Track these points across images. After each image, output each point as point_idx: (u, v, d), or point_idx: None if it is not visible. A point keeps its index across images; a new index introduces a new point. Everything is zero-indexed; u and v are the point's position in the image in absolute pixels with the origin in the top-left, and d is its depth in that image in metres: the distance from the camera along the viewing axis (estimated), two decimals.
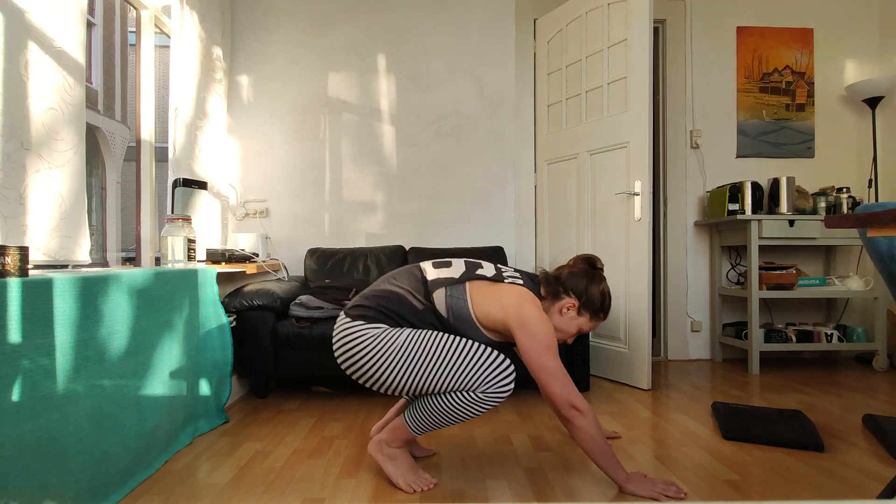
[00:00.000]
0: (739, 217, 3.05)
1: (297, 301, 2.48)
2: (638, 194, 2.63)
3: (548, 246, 3.25)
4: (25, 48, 1.59)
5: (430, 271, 1.60)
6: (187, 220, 2.03)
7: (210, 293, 2.07)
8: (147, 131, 2.56)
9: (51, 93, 1.68)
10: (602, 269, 1.69)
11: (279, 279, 2.86)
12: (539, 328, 1.49)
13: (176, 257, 1.99)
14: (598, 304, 1.63)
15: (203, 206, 2.73)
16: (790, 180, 3.15)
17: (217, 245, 2.94)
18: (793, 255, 3.53)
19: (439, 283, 1.56)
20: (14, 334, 1.12)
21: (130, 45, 15.86)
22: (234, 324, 2.40)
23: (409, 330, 1.50)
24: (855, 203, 3.22)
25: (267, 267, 2.80)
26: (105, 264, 7.37)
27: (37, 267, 1.65)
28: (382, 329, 1.49)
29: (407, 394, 1.53)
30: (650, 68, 2.61)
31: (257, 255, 2.80)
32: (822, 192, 3.25)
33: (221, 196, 3.04)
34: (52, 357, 1.22)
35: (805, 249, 3.53)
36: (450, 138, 3.29)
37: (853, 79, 3.52)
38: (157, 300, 1.68)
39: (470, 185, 3.29)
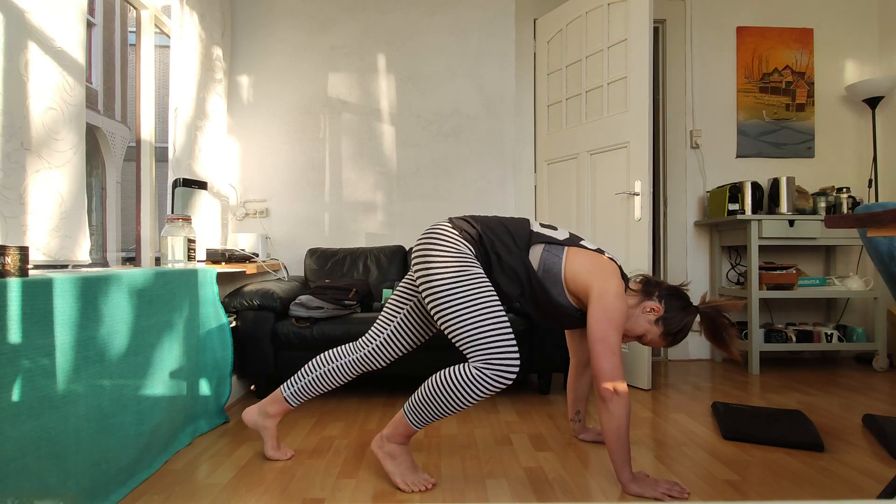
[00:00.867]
0: (739, 217, 3.05)
1: (297, 301, 2.48)
2: (638, 194, 2.63)
3: None
4: (25, 48, 1.59)
5: (537, 227, 1.65)
6: (187, 220, 2.03)
7: (210, 293, 2.07)
8: (147, 131, 2.56)
9: (51, 93, 1.68)
10: (704, 313, 1.65)
11: (279, 279, 2.86)
12: (615, 302, 1.52)
13: (176, 257, 1.99)
14: (674, 327, 1.63)
15: (203, 206, 2.73)
16: (790, 180, 3.15)
17: (217, 245, 2.94)
18: (793, 255, 3.53)
19: (542, 238, 1.61)
20: (14, 334, 1.12)
21: (130, 45, 15.86)
22: (234, 324, 2.40)
23: (479, 270, 1.53)
24: (855, 203, 3.22)
25: (267, 267, 2.80)
26: (105, 264, 7.37)
27: (37, 267, 1.65)
28: (463, 254, 1.53)
29: (435, 314, 1.53)
30: (650, 68, 2.61)
31: (257, 255, 2.80)
32: (822, 192, 3.25)
33: (221, 196, 3.04)
34: (52, 357, 1.22)
35: (805, 249, 3.53)
36: (450, 138, 3.29)
37: (853, 79, 3.52)
38: (157, 300, 1.68)
39: (470, 185, 3.29)
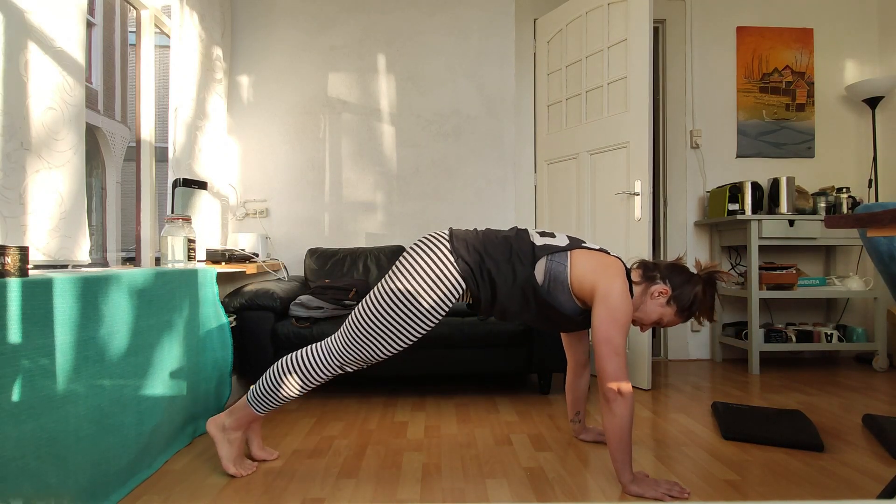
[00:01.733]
0: (739, 217, 3.05)
1: (297, 301, 2.48)
2: (638, 194, 2.63)
3: None
4: (25, 48, 1.59)
5: (538, 238, 1.64)
6: (187, 220, 2.03)
7: (210, 293, 2.07)
8: (147, 131, 2.56)
9: (51, 93, 1.68)
10: (709, 280, 1.65)
11: (279, 279, 2.86)
12: (620, 302, 1.51)
13: (176, 257, 1.99)
14: (687, 301, 1.62)
15: (203, 206, 2.73)
16: (790, 180, 3.15)
17: (217, 245, 2.94)
18: (793, 255, 3.53)
19: (546, 249, 1.60)
20: (14, 334, 1.12)
21: (130, 45, 15.86)
22: (234, 324, 2.40)
23: (431, 305, 1.54)
24: (855, 203, 3.22)
25: (267, 267, 2.80)
26: (105, 264, 7.37)
27: (37, 267, 1.65)
28: (435, 284, 1.53)
29: (371, 297, 1.58)
30: (650, 68, 2.61)
31: (257, 255, 2.80)
32: (822, 192, 3.25)
33: (221, 196, 3.04)
34: (52, 357, 1.22)
35: (805, 249, 3.53)
36: (450, 138, 3.29)
37: (853, 79, 3.52)
38: (157, 300, 1.68)
39: (470, 185, 3.29)
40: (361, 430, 2.06)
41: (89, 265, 1.84)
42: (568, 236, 1.67)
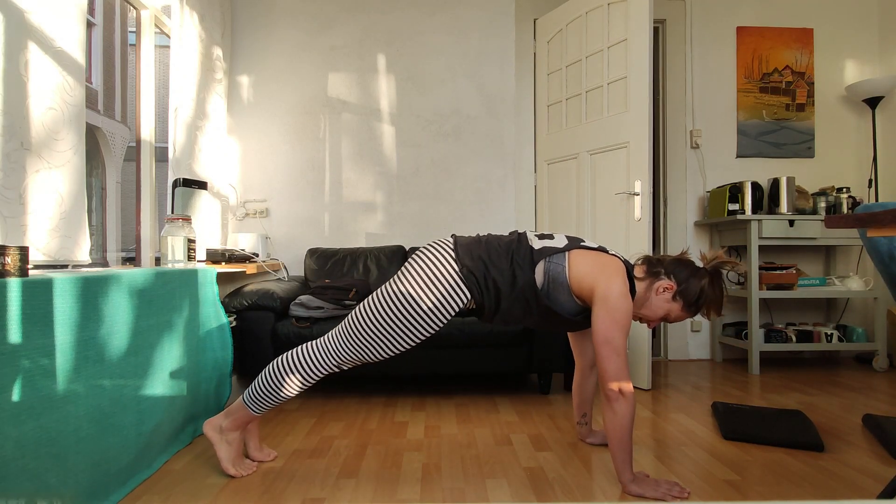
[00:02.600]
0: (739, 217, 3.05)
1: (297, 301, 2.48)
2: (638, 194, 2.63)
3: None
4: (25, 48, 1.59)
5: (536, 241, 1.63)
6: (187, 220, 2.03)
7: (210, 293, 2.07)
8: (147, 131, 2.56)
9: (51, 93, 1.68)
10: (715, 273, 1.64)
11: (279, 279, 2.86)
12: (620, 303, 1.50)
13: (176, 257, 1.99)
14: (693, 295, 1.61)
15: (203, 206, 2.73)
16: (790, 180, 3.15)
17: (217, 245, 2.94)
18: (793, 255, 3.53)
19: (544, 252, 1.59)
20: (14, 334, 1.12)
21: (130, 45, 15.85)
22: (234, 324, 2.40)
23: (430, 313, 1.53)
24: (855, 203, 3.22)
25: (267, 267, 2.80)
26: (105, 264, 7.36)
27: (37, 267, 1.65)
28: (438, 293, 1.53)
29: (369, 300, 1.59)
30: (650, 68, 2.61)
31: (257, 255, 2.80)
32: (822, 192, 3.25)
33: (221, 196, 3.04)
34: (52, 357, 1.22)
35: (805, 249, 3.53)
36: (450, 138, 3.29)
37: (853, 79, 3.52)
38: (157, 300, 1.68)
39: (470, 185, 3.29)
40: (361, 430, 2.06)
41: (89, 265, 1.84)
42: (567, 236, 1.66)
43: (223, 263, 2.46)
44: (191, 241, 2.03)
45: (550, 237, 1.65)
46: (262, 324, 2.42)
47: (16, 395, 1.12)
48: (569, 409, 2.31)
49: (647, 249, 2.60)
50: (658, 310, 1.64)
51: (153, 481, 1.59)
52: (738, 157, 3.50)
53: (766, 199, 3.25)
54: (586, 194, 2.96)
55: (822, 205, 3.21)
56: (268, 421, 2.19)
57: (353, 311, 1.60)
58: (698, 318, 3.46)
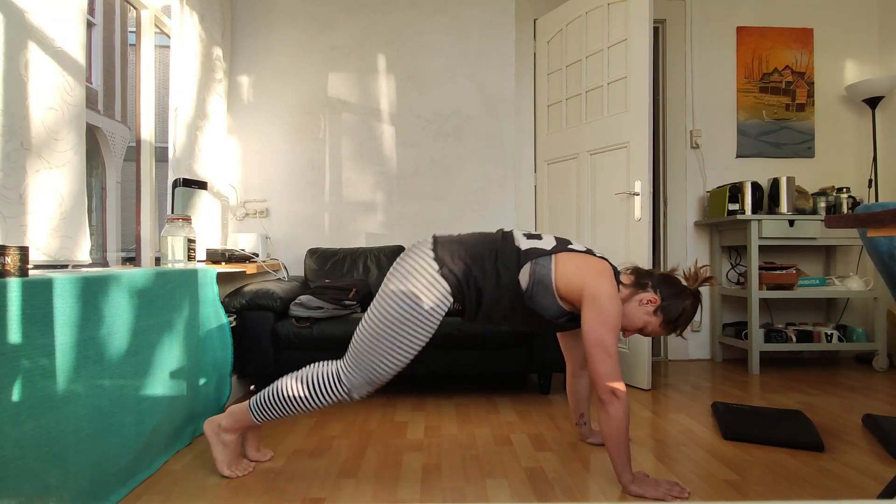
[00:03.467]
0: (739, 217, 3.05)
1: (297, 301, 2.48)
2: (638, 194, 2.63)
3: None
4: (25, 48, 1.59)
5: (524, 241, 1.61)
6: (187, 220, 2.03)
7: (210, 293, 2.07)
8: (147, 131, 2.56)
9: (51, 93, 1.68)
10: (697, 294, 1.66)
11: (279, 279, 2.86)
12: (609, 304, 1.50)
13: (176, 257, 1.99)
14: (674, 314, 1.62)
15: (203, 206, 2.73)
16: (790, 180, 3.15)
17: (217, 245, 2.94)
18: (793, 255, 3.53)
19: (531, 254, 1.57)
20: (14, 334, 1.12)
21: (130, 45, 15.85)
22: (234, 324, 2.40)
23: (424, 312, 1.50)
24: (855, 203, 3.22)
25: (267, 267, 2.80)
26: (105, 264, 7.36)
27: (37, 267, 1.65)
28: (422, 293, 1.50)
29: (367, 313, 1.55)
30: (650, 68, 2.61)
31: (257, 255, 2.80)
32: (822, 192, 3.25)
33: (221, 196, 3.04)
34: (52, 357, 1.22)
35: (805, 249, 3.53)
36: (450, 138, 3.29)
37: (853, 79, 3.52)
38: (157, 300, 1.68)
39: (470, 185, 3.29)
40: (361, 430, 2.06)
41: (89, 265, 1.84)
42: (555, 237, 1.65)
43: (223, 263, 2.46)
44: (191, 241, 2.03)
45: (539, 237, 1.64)
46: (262, 324, 2.42)
47: (16, 395, 1.12)
48: (568, 409, 2.31)
49: (647, 249, 2.60)
50: (637, 320, 1.64)
51: (153, 481, 1.59)
52: (738, 157, 3.50)
53: (766, 199, 3.25)
54: (586, 194, 2.96)
55: (822, 205, 3.21)
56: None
57: (353, 337, 1.58)
58: (697, 317, 3.47)
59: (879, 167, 3.46)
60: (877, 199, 3.39)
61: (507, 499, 1.47)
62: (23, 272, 1.21)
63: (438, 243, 1.57)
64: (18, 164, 1.55)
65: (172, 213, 2.41)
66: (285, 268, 3.12)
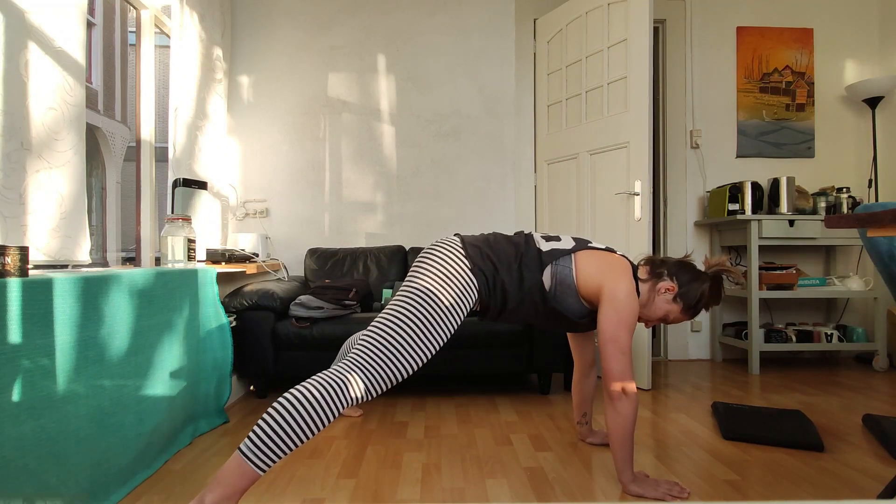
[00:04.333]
0: (739, 217, 3.05)
1: (297, 301, 2.48)
2: (638, 194, 2.63)
3: None
4: (25, 48, 1.59)
5: (543, 243, 1.61)
6: (187, 220, 2.03)
7: (210, 293, 2.07)
8: (147, 131, 2.56)
9: (51, 93, 1.68)
10: (717, 277, 1.64)
11: (279, 279, 2.86)
12: (627, 302, 1.51)
13: (176, 257, 1.99)
14: (693, 299, 1.62)
15: (203, 206, 2.73)
16: (790, 180, 3.15)
17: (217, 245, 2.94)
18: (793, 255, 3.53)
19: (552, 255, 1.57)
20: (14, 334, 1.12)
21: (130, 45, 15.85)
22: (234, 324, 2.40)
23: (450, 305, 1.44)
24: (855, 203, 3.22)
25: (267, 267, 2.80)
26: (105, 264, 7.37)
27: (37, 267, 1.65)
28: (453, 286, 1.45)
29: (389, 306, 1.45)
30: (650, 68, 2.61)
31: (257, 255, 2.80)
32: (822, 192, 3.25)
33: (221, 196, 3.04)
34: (52, 357, 1.22)
35: (805, 249, 3.53)
36: (450, 138, 3.29)
37: (853, 79, 3.52)
38: (157, 300, 1.68)
39: (470, 185, 3.29)
40: (361, 430, 2.06)
41: (89, 265, 1.84)
42: (573, 238, 1.66)
43: (223, 263, 2.46)
44: (191, 241, 2.03)
45: (557, 239, 1.64)
46: (262, 324, 2.42)
47: (16, 395, 1.12)
48: (569, 409, 2.31)
49: (647, 249, 2.60)
50: (658, 310, 1.64)
51: (153, 481, 1.59)
52: (738, 157, 3.50)
53: (766, 199, 3.25)
54: (586, 194, 2.96)
55: (822, 205, 3.21)
56: None
57: (369, 332, 1.42)
58: (697, 318, 3.46)
59: (879, 167, 3.46)
60: (877, 199, 3.39)
61: (507, 499, 1.47)
62: (23, 272, 1.21)
63: (467, 242, 1.55)
64: (18, 164, 1.55)
65: (172, 213, 2.41)
66: (285, 268, 3.12)
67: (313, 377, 1.34)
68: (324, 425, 1.29)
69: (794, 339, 3.13)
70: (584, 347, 1.87)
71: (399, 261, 3.04)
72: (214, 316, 2.09)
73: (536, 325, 1.68)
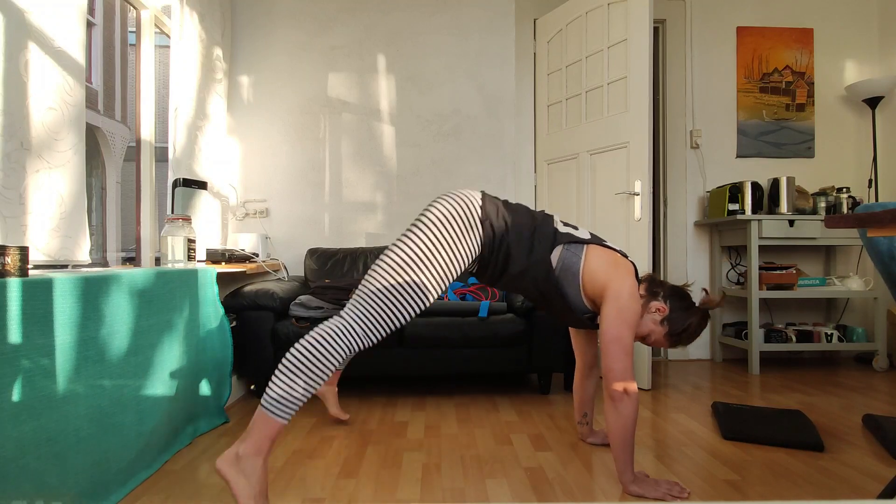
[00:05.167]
0: (739, 217, 3.05)
1: (296, 301, 2.48)
2: (638, 194, 2.63)
3: None
4: (25, 48, 1.59)
5: (561, 226, 1.61)
6: (187, 220, 2.03)
7: (210, 293, 2.07)
8: (147, 131, 2.56)
9: (51, 93, 1.68)
10: (706, 314, 1.67)
11: (279, 279, 2.86)
12: (630, 302, 1.51)
13: (176, 257, 1.99)
14: (679, 327, 1.62)
15: (203, 206, 2.73)
16: (790, 180, 3.15)
17: (217, 245, 2.94)
18: (793, 255, 3.53)
19: (565, 237, 1.57)
20: (14, 334, 1.12)
21: (130, 45, 15.84)
22: (234, 324, 2.40)
23: (453, 256, 1.44)
24: (855, 203, 3.22)
25: (267, 267, 2.80)
26: (105, 264, 7.37)
27: (37, 267, 1.65)
28: (457, 236, 1.45)
29: (387, 251, 1.46)
30: (650, 68, 2.61)
31: (257, 255, 2.80)
32: (822, 192, 3.25)
33: (221, 196, 3.04)
34: (52, 357, 1.22)
35: (805, 249, 3.53)
36: (450, 138, 3.29)
37: (853, 79, 3.52)
38: (157, 300, 1.68)
39: (470, 185, 3.29)
40: (361, 430, 2.06)
41: (89, 265, 1.84)
42: (591, 232, 1.67)
43: (223, 263, 2.46)
44: (191, 241, 2.03)
45: (575, 228, 1.65)
46: (262, 324, 2.42)
47: (16, 395, 1.12)
48: (569, 409, 2.31)
49: (647, 249, 2.60)
50: (643, 327, 1.64)
51: (153, 481, 1.59)
52: (738, 157, 3.50)
53: (766, 199, 3.25)
54: (586, 194, 2.96)
55: (822, 205, 3.21)
56: None
57: (364, 281, 1.44)
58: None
59: (879, 167, 3.46)
60: (877, 199, 3.39)
61: (507, 499, 1.47)
62: (23, 272, 1.21)
63: (487, 198, 1.54)
64: (18, 164, 1.55)
65: (172, 213, 2.41)
66: (285, 268, 3.12)
67: (318, 326, 1.40)
68: (331, 370, 1.37)
69: (794, 339, 3.13)
70: (586, 347, 1.87)
71: None
72: (214, 316, 2.09)
73: (535, 305, 1.68)
